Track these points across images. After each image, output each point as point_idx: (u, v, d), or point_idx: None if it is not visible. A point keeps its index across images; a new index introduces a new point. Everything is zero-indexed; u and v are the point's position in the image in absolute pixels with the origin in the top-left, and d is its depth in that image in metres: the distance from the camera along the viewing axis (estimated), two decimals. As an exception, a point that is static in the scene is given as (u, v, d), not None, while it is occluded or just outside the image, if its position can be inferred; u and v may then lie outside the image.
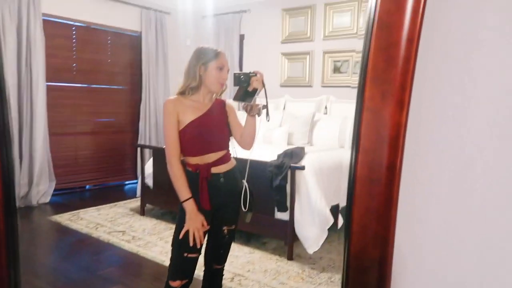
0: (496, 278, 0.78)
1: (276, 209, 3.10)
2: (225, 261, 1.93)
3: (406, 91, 0.71)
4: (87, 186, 5.51)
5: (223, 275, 1.97)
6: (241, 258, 3.06)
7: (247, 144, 1.79)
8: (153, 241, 3.41)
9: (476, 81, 0.75)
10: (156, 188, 4.06)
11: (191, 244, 1.68)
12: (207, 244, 1.87)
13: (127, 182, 5.84)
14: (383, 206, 0.74)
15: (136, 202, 4.59)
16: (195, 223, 1.69)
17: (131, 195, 5.04)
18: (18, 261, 0.98)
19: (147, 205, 4.20)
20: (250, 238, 3.43)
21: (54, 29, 4.78)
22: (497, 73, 0.73)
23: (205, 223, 1.72)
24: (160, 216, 4.11)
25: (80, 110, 5.24)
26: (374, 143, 0.72)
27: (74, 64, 5.13)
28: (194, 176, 1.75)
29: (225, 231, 1.83)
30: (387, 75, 0.70)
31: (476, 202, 0.77)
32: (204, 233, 1.76)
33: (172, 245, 1.77)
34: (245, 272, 2.82)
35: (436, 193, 0.79)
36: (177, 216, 1.80)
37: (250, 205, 1.80)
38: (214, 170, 1.76)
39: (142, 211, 4.18)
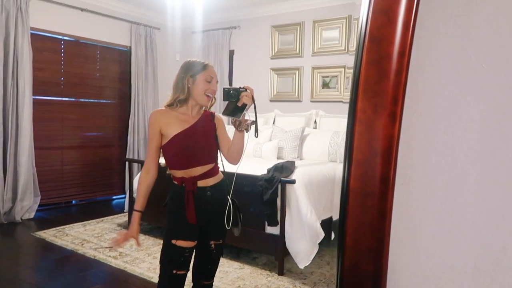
0: None
1: (266, 224, 3.08)
2: (213, 276, 1.89)
3: (398, 104, 0.71)
4: (73, 201, 5.41)
5: None
6: (231, 274, 3.01)
7: (234, 159, 1.77)
8: (140, 257, 3.35)
9: (466, 94, 0.75)
10: (144, 203, 3.99)
11: (113, 244, 1.71)
12: (194, 259, 1.83)
13: (114, 197, 5.76)
14: (376, 220, 0.73)
15: (123, 217, 4.51)
16: (129, 232, 1.71)
17: (119, 210, 4.96)
18: None
19: (135, 220, 4.12)
20: (240, 253, 3.39)
21: (42, 42, 4.75)
22: (488, 86, 0.74)
23: (135, 238, 1.72)
24: (148, 232, 4.04)
25: (67, 124, 5.18)
26: (366, 155, 0.72)
27: (62, 78, 5.09)
28: (179, 190, 1.73)
29: (213, 245, 1.80)
30: (379, 88, 0.70)
31: (470, 214, 0.77)
32: (192, 249, 1.74)
33: (161, 262, 1.74)
34: (235, 288, 2.78)
35: (430, 205, 0.79)
36: (165, 228, 1.78)
37: (236, 220, 1.79)
38: (201, 183, 1.73)
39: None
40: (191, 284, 1.88)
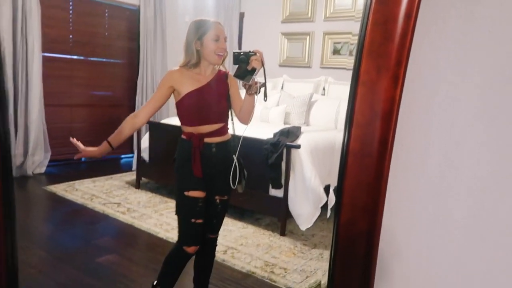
0: (486, 251, 0.82)
1: (270, 186, 3.14)
2: (218, 230, 1.97)
3: (402, 66, 0.72)
4: (83, 159, 5.52)
5: (216, 245, 2.02)
6: (234, 232, 3.11)
7: (244, 119, 1.84)
8: (148, 213, 3.46)
9: (472, 59, 0.76)
10: (151, 162, 4.08)
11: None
12: None
13: (122, 156, 5.86)
14: (373, 180, 0.76)
15: (131, 176, 4.62)
16: (88, 152, 1.74)
17: (127, 168, 5.07)
18: (15, 227, 1.00)
19: (142, 178, 4.24)
20: (244, 214, 3.49)
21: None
22: (493, 52, 0.75)
23: (87, 153, 1.75)
24: (155, 190, 4.15)
25: (76, 82, 5.20)
26: (367, 117, 0.74)
27: (71, 36, 5.06)
28: (186, 144, 1.81)
29: (218, 200, 1.88)
30: (384, 50, 0.71)
31: (466, 178, 0.80)
32: (204, 199, 1.82)
33: (178, 213, 1.83)
34: (238, 246, 2.89)
35: (427, 168, 0.82)
36: (175, 185, 1.85)
37: (240, 178, 1.86)
38: (207, 140, 1.80)
39: (137, 184, 4.21)
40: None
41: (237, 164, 1.84)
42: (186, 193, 1.78)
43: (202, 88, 1.77)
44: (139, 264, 2.59)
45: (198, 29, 1.74)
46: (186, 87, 1.76)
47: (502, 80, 0.75)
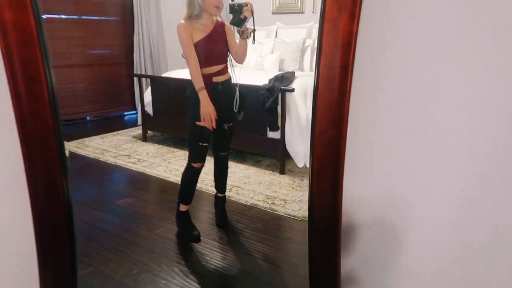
0: (441, 175, 1.04)
1: (268, 129, 3.38)
2: (228, 149, 2.51)
3: (357, 5, 0.91)
4: (88, 117, 5.73)
5: (228, 159, 2.56)
6: (237, 174, 3.39)
7: (240, 60, 2.27)
8: (157, 162, 3.73)
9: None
10: (156, 115, 4.30)
11: (208, 125, 2.15)
12: (213, 138, 2.38)
13: (126, 113, 6.05)
14: (339, 98, 0.98)
15: (137, 130, 4.85)
16: (208, 108, 2.14)
17: (132, 124, 5.29)
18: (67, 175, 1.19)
19: (148, 131, 4.47)
20: (246, 157, 3.75)
21: (39, -43, 4.67)
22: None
23: (215, 113, 2.16)
24: (162, 142, 4.40)
25: (73, 43, 5.27)
26: (332, 48, 0.94)
27: (62, -6, 5.08)
28: None
29: (226, 127, 2.36)
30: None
31: (413, 93, 1.02)
32: (211, 130, 2.22)
33: (189, 138, 2.30)
34: (242, 184, 3.17)
35: (383, 85, 1.03)
36: (188, 116, 2.24)
37: (241, 105, 2.28)
38: (215, 79, 2.22)
39: (144, 138, 4.46)
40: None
41: (239, 92, 2.28)
42: (197, 123, 2.19)
43: (208, 36, 2.15)
44: (154, 204, 2.89)
45: None
46: (195, 36, 2.13)
47: (446, 8, 0.93)
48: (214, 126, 2.18)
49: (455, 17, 0.93)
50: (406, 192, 1.11)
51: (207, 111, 2.13)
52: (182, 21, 2.14)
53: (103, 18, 5.59)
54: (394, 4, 0.96)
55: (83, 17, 5.37)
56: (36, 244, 1.15)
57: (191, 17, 2.12)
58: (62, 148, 1.10)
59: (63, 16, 5.11)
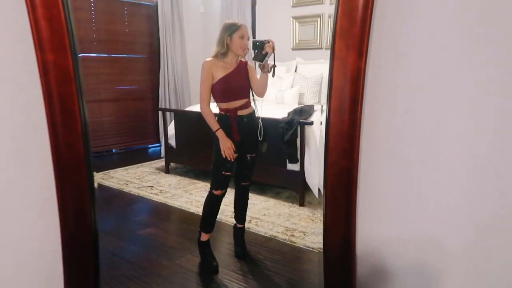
0: (440, 177, 1.07)
1: (287, 161, 3.42)
2: (249, 179, 2.58)
3: (364, 44, 0.98)
4: (114, 150, 5.93)
5: (248, 189, 2.63)
6: (257, 205, 3.43)
7: (260, 93, 2.41)
8: (178, 193, 3.81)
9: (417, 33, 1.02)
10: (178, 147, 4.42)
11: (228, 157, 2.28)
12: (236, 168, 2.48)
13: (150, 146, 6.24)
14: (349, 129, 1.03)
15: (160, 162, 4.98)
16: (226, 144, 2.29)
17: (155, 156, 5.44)
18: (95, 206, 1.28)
19: (171, 163, 4.59)
20: (265, 189, 3.79)
21: (74, 2, 5.03)
22: (434, 26, 1.00)
23: (233, 146, 2.30)
24: (184, 173, 4.50)
25: (103, 79, 5.56)
26: (341, 82, 1.01)
27: (94, 35, 5.41)
28: (224, 117, 2.37)
29: (248, 157, 2.46)
30: (350, 32, 0.97)
31: (421, 125, 1.06)
32: (234, 160, 2.34)
33: (213, 166, 2.38)
34: (261, 216, 3.20)
35: (392, 117, 1.08)
36: (213, 149, 2.37)
37: (264, 135, 2.44)
38: (240, 113, 2.37)
39: (166, 169, 4.57)
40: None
41: (261, 125, 2.41)
42: (222, 152, 2.30)
43: (230, 73, 2.31)
44: (175, 234, 2.94)
45: (229, 28, 2.28)
46: (219, 73, 2.30)
47: (447, 44, 1.00)
48: (233, 158, 2.31)
49: (458, 54, 0.99)
50: (421, 225, 1.13)
51: (226, 146, 2.29)
52: (209, 59, 2.33)
53: (131, 56, 5.89)
54: (401, 43, 1.02)
55: (112, 55, 5.69)
56: (63, 267, 1.22)
57: (217, 55, 2.30)
58: (91, 176, 1.19)
59: (93, 55, 5.42)
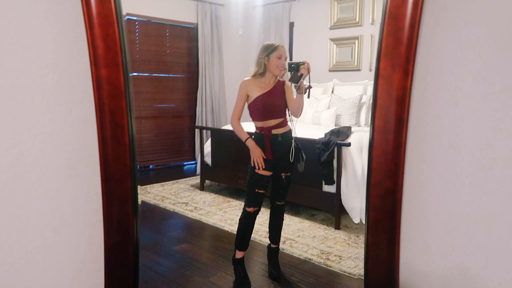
0: (492, 207, 1.02)
1: (323, 183, 3.38)
2: (284, 199, 2.55)
3: (410, 63, 0.97)
4: (151, 166, 6.09)
5: (283, 210, 2.61)
6: (292, 226, 3.38)
7: (296, 113, 2.38)
8: (213, 211, 3.84)
9: (466, 54, 0.99)
10: (214, 165, 4.48)
11: (257, 166, 2.32)
12: (271, 187, 2.50)
13: (185, 163, 6.36)
14: (394, 149, 1.01)
15: (195, 180, 5.05)
16: (256, 153, 2.33)
17: (191, 173, 5.53)
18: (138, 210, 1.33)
19: (206, 181, 4.65)
20: (300, 210, 3.74)
21: (122, 24, 5.31)
22: (485, 51, 0.98)
23: (263, 154, 2.33)
24: (218, 191, 4.53)
25: (143, 97, 5.78)
26: (386, 101, 0.99)
27: (137, 56, 5.66)
28: (259, 135, 2.40)
29: (283, 176, 2.46)
30: (396, 51, 0.96)
31: (468, 146, 1.02)
32: (269, 177, 2.38)
33: (247, 184, 2.40)
34: (296, 237, 3.15)
35: (438, 138, 1.05)
36: (249, 164, 2.39)
37: (299, 155, 2.44)
38: (274, 131, 2.38)
39: (201, 187, 4.63)
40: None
41: (295, 145, 2.41)
42: (256, 170, 2.34)
43: (267, 93, 2.36)
44: (208, 251, 2.94)
45: (267, 49, 2.34)
46: (256, 92, 2.36)
47: (496, 68, 0.97)
48: (263, 166, 2.32)
49: (509, 76, 0.96)
50: (469, 251, 1.08)
51: (256, 155, 2.33)
52: (247, 78, 2.41)
53: (171, 75, 6.10)
54: (448, 63, 1.00)
55: (153, 74, 5.91)
56: (104, 276, 1.25)
57: (256, 75, 2.37)
58: (135, 188, 1.22)
59: (136, 74, 5.66)
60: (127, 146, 1.16)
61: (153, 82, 5.90)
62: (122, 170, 1.18)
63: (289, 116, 2.45)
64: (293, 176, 2.52)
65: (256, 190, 2.36)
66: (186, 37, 6.08)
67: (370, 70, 5.20)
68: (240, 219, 2.45)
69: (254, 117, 2.42)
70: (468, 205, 1.05)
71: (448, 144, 1.04)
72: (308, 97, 2.34)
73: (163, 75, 6.02)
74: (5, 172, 1.15)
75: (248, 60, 2.66)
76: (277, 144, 2.38)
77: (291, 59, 5.68)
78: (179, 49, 6.06)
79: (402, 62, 0.96)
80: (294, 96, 2.41)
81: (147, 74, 5.85)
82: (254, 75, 2.39)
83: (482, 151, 1.01)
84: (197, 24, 5.98)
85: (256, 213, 2.42)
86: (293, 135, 2.44)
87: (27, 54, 1.14)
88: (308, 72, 2.25)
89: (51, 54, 1.17)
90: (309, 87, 2.31)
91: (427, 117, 1.05)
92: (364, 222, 3.31)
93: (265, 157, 2.34)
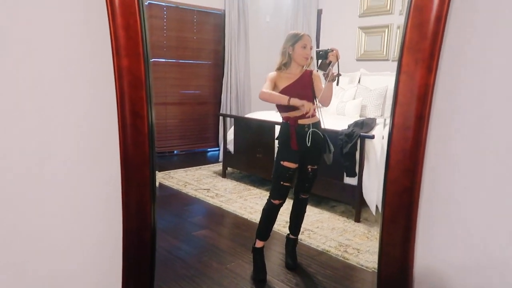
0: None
1: (345, 175, 3.34)
2: (309, 192, 2.55)
3: (434, 59, 0.93)
4: (175, 151, 6.19)
5: (307, 202, 2.62)
6: (311, 217, 3.38)
7: (325, 102, 2.37)
8: (233, 198, 3.87)
9: (494, 51, 0.95)
10: (236, 153, 4.50)
11: (310, 112, 2.27)
12: (297, 179, 2.48)
13: (209, 149, 6.42)
14: (413, 147, 0.99)
15: (218, 166, 5.10)
16: (306, 105, 2.21)
17: (213, 160, 5.58)
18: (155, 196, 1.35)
19: (228, 168, 4.69)
20: (320, 201, 3.73)
21: (149, 10, 5.36)
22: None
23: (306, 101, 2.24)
24: (240, 179, 4.57)
25: (169, 83, 5.83)
26: (407, 98, 0.96)
27: (165, 42, 5.70)
28: (286, 126, 2.38)
29: (309, 169, 2.43)
30: (420, 46, 0.93)
31: (493, 145, 0.99)
32: (294, 169, 2.35)
33: (272, 176, 2.40)
34: (314, 228, 3.15)
35: (460, 136, 1.02)
36: (276, 155, 2.40)
37: (325, 147, 2.41)
38: (301, 122, 2.34)
39: (223, 174, 4.67)
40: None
41: (322, 138, 2.38)
42: (282, 162, 2.33)
43: (293, 83, 2.33)
44: (227, 238, 2.99)
45: (292, 38, 2.31)
46: (283, 83, 2.33)
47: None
48: (312, 111, 2.28)
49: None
50: (490, 251, 1.04)
51: (306, 106, 2.22)
52: (273, 72, 2.37)
53: (197, 62, 6.13)
54: (474, 61, 0.96)
55: (180, 60, 5.95)
56: (122, 259, 1.29)
57: (280, 68, 2.34)
58: (153, 175, 1.25)
59: (163, 60, 5.72)
60: (146, 135, 1.19)
61: (179, 68, 5.95)
62: (141, 157, 1.20)
63: (318, 106, 2.40)
64: (319, 168, 2.48)
65: (282, 183, 2.34)
66: (213, 23, 6.07)
67: (392, 61, 5.06)
68: (263, 209, 2.45)
69: (281, 108, 2.39)
70: (491, 208, 1.01)
71: (471, 144, 1.01)
72: (337, 84, 2.29)
73: (189, 61, 6.05)
74: (31, 159, 1.19)
75: (275, 48, 2.61)
76: (305, 135, 2.33)
77: (317, 47, 5.59)
78: (205, 36, 6.06)
79: (426, 58, 0.93)
80: (323, 85, 2.38)
81: (174, 60, 5.89)
82: (279, 68, 2.36)
83: (505, 155, 0.97)
84: (224, 10, 5.96)
85: (280, 205, 2.41)
86: (322, 126, 2.41)
87: (53, 44, 1.17)
88: (337, 59, 2.20)
89: (76, 44, 1.20)
90: (338, 74, 2.24)
91: (450, 117, 1.02)
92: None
93: (292, 149, 2.31)
